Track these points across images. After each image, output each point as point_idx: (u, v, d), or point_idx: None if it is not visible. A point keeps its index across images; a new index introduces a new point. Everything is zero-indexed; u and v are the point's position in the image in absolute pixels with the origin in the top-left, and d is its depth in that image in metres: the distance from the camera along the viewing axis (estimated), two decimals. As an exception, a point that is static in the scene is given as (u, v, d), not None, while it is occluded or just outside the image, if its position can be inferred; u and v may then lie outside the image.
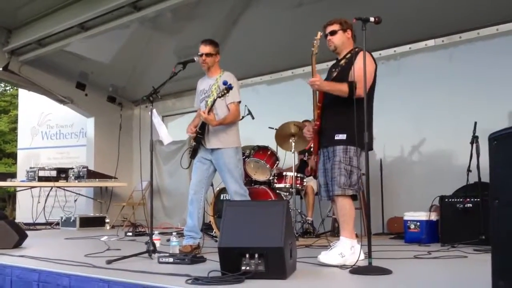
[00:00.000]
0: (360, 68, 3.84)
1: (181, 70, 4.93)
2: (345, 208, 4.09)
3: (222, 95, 4.75)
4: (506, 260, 2.25)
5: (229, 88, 4.70)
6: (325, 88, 4.13)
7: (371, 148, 4.10)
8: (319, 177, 4.39)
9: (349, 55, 4.24)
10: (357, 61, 4.06)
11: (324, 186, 4.28)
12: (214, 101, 4.79)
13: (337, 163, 4.08)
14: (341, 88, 4.06)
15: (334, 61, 4.45)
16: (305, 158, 7.25)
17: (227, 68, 5.23)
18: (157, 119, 4.97)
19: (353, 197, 4.15)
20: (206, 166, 5.11)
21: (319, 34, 4.22)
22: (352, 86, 4.00)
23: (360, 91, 3.92)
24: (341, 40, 4.27)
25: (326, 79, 4.32)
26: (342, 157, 4.07)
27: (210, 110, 4.80)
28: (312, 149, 4.51)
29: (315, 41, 4.19)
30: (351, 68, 4.10)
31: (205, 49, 5.07)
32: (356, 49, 4.23)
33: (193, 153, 5.18)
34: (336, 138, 4.11)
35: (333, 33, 4.27)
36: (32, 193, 9.84)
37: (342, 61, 4.27)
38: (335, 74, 4.29)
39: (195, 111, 5.46)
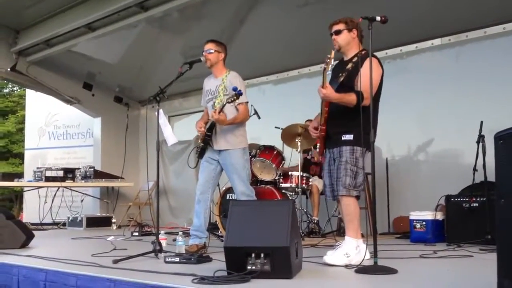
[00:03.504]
0: (366, 76, 3.82)
1: (187, 70, 4.95)
2: (350, 208, 4.08)
3: (232, 101, 4.76)
4: (511, 259, 2.25)
5: (238, 94, 4.71)
6: (334, 99, 4.08)
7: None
8: (324, 178, 4.38)
9: (355, 58, 4.16)
10: (363, 67, 4.00)
11: (329, 186, 4.27)
12: (223, 105, 4.80)
13: (343, 163, 4.06)
14: (350, 100, 4.00)
15: (340, 61, 4.41)
16: (308, 157, 7.24)
17: (233, 68, 5.23)
18: (162, 120, 4.99)
19: (356, 197, 4.14)
20: (213, 166, 5.12)
21: (333, 53, 4.05)
22: (359, 97, 3.97)
23: (367, 101, 3.91)
24: (345, 40, 4.22)
25: (332, 80, 4.27)
26: (348, 158, 4.05)
27: (221, 111, 4.80)
28: (318, 146, 4.47)
29: (328, 60, 4.03)
30: (358, 74, 4.07)
31: (207, 46, 5.10)
32: (363, 52, 4.16)
33: (201, 153, 5.19)
34: (343, 138, 4.10)
35: (338, 32, 4.22)
36: (39, 193, 9.88)
37: (349, 65, 4.17)
38: (341, 79, 4.18)
39: (202, 110, 5.47)
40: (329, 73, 4.11)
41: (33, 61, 9.15)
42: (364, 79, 3.93)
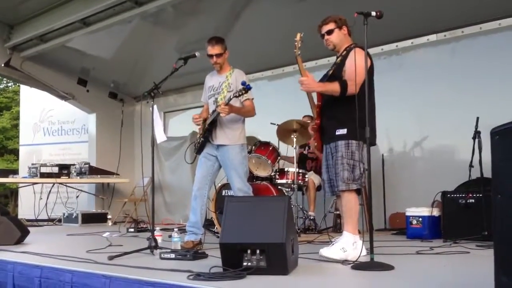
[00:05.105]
0: (351, 65, 3.86)
1: (182, 66, 4.91)
2: (350, 203, 4.10)
3: (240, 95, 4.72)
4: (508, 255, 2.24)
5: (247, 89, 4.67)
6: (317, 89, 4.13)
7: (374, 144, 4.08)
8: (323, 173, 4.39)
9: (345, 52, 4.22)
10: (349, 58, 4.05)
11: (328, 182, 4.29)
12: (230, 99, 4.77)
13: (339, 158, 4.08)
14: (333, 88, 4.05)
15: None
16: (305, 152, 7.23)
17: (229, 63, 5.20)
18: (155, 116, 4.95)
19: (357, 191, 4.14)
20: (211, 162, 5.11)
21: (299, 35, 4.19)
22: (343, 84, 3.99)
23: (352, 89, 3.92)
24: (338, 38, 4.26)
25: (323, 78, 4.31)
26: (344, 152, 4.07)
27: (227, 104, 4.77)
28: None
29: (296, 43, 4.17)
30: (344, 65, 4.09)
31: (214, 50, 4.99)
32: (352, 45, 4.20)
33: (199, 149, 5.17)
34: (337, 133, 4.12)
35: (329, 32, 4.25)
36: (34, 189, 9.85)
37: (338, 59, 4.25)
38: (331, 72, 4.27)
39: (197, 106, 5.45)
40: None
41: (27, 56, 9.11)
42: (349, 68, 3.97)
